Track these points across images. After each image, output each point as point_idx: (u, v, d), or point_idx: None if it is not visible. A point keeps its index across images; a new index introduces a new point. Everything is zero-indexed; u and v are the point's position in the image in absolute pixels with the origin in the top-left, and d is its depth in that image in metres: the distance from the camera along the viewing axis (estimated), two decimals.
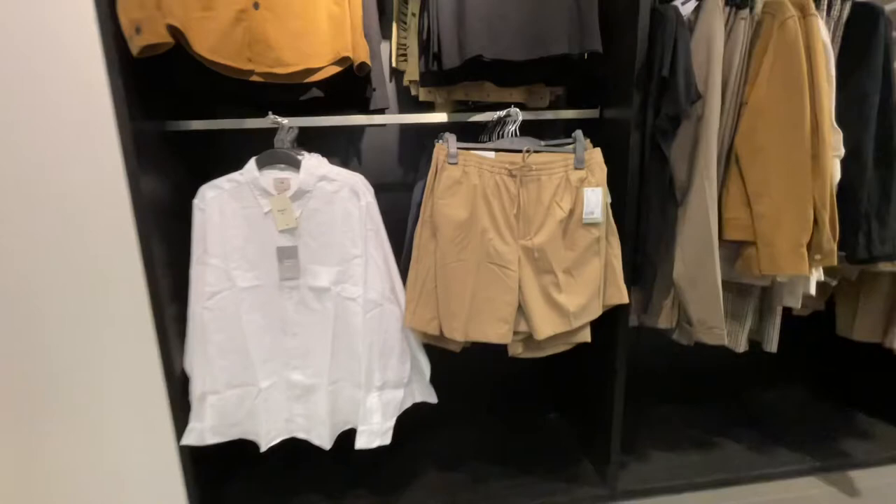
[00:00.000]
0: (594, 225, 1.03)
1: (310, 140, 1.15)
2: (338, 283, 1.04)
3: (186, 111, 1.07)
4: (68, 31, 0.90)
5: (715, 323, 1.07)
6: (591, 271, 1.05)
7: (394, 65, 1.24)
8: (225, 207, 1.00)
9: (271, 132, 1.03)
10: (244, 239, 1.02)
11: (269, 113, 0.99)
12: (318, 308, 1.06)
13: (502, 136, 1.09)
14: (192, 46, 0.89)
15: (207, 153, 1.21)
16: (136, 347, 1.03)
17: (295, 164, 1.00)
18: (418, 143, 1.37)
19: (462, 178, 0.99)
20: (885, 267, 1.14)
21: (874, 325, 1.29)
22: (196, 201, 1.00)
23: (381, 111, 1.25)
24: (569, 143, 1.06)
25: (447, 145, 0.99)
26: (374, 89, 1.22)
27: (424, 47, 1.05)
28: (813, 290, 1.10)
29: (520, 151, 0.99)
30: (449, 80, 1.10)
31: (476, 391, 1.59)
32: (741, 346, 1.21)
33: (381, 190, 1.09)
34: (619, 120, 1.10)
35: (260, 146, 1.02)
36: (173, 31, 0.87)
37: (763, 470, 1.34)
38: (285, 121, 1.02)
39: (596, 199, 1.02)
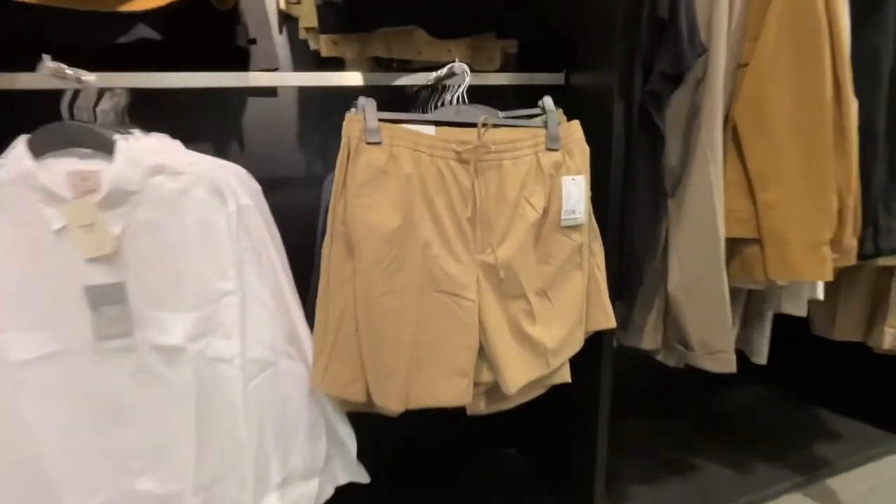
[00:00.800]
0: (576, 228, 0.75)
1: (165, 117, 0.74)
2: (198, 336, 0.66)
3: None
4: None
5: (722, 346, 0.84)
6: (572, 290, 0.77)
7: (282, 6, 0.86)
8: None
9: None
10: (20, 277, 0.60)
11: (46, 60, 0.57)
12: (169, 377, 0.67)
13: (442, 106, 0.76)
14: None
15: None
16: None
17: (105, 148, 0.59)
18: (327, 119, 0.99)
19: (389, 166, 0.65)
20: (884, 262, 0.99)
21: (856, 324, 1.16)
22: None
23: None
24: (535, 115, 0.76)
25: (363, 116, 0.65)
26: (254, 41, 0.83)
27: None
28: (821, 294, 0.92)
29: (471, 125, 0.68)
30: (360, 24, 0.76)
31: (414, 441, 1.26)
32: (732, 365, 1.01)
33: (273, 187, 0.72)
34: (595, 87, 0.83)
35: None
36: None
37: (749, 496, 1.18)
38: (89, 76, 0.61)
39: (578, 193, 0.73)
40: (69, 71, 0.58)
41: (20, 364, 0.61)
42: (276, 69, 0.88)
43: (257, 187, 0.74)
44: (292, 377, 0.71)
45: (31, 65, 0.59)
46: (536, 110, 0.76)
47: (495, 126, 0.70)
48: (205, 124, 0.93)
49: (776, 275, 0.84)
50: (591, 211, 0.79)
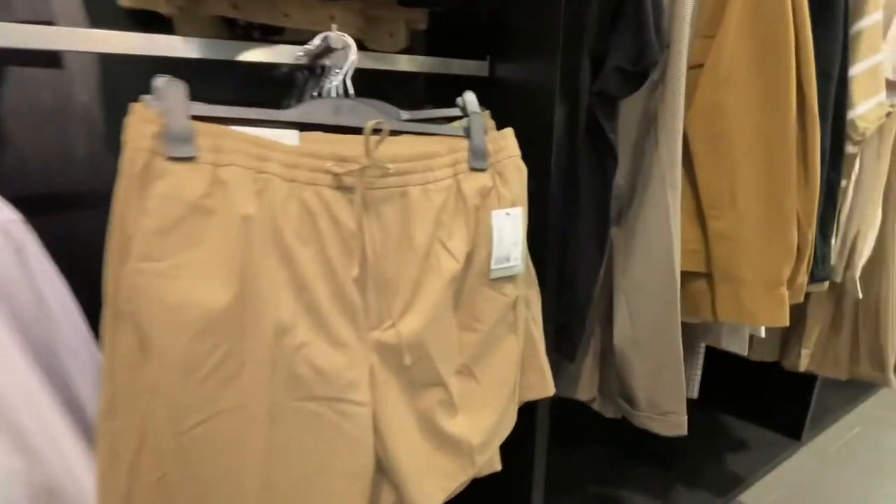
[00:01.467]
0: (510, 279, 0.54)
1: None
2: None
3: None
4: None
5: (673, 406, 0.70)
6: (504, 361, 0.56)
7: None
8: None
9: None
10: None
11: None
12: None
13: (320, 97, 0.50)
14: None
15: None
16: None
17: None
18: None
19: (212, 199, 0.37)
20: (809, 288, 0.93)
21: (772, 346, 1.13)
22: None
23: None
24: (451, 118, 0.54)
25: (163, 108, 0.36)
26: None
27: None
28: (763, 332, 0.83)
29: (354, 131, 0.42)
30: None
31: None
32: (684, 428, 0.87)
33: (58, 209, 0.44)
34: (529, 82, 0.62)
35: None
36: None
37: None
38: None
39: (514, 232, 0.52)
40: None
41: None
42: (48, 22, 0.54)
43: (8, 217, 0.43)
44: None
45: None
46: (454, 111, 0.53)
47: (394, 134, 0.46)
48: None
49: (728, 316, 0.72)
50: (526, 248, 0.58)
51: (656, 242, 0.65)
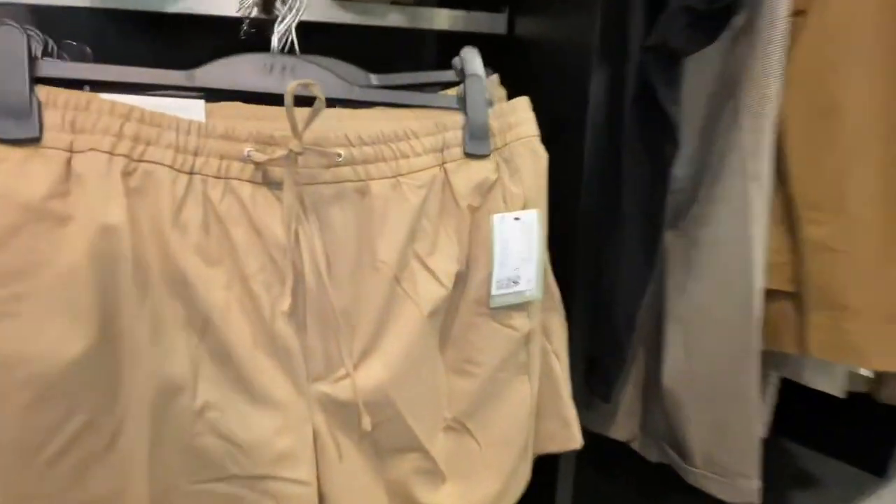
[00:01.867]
0: (521, 307, 0.39)
1: None
2: None
3: None
4: None
5: (742, 469, 0.53)
6: (512, 413, 0.42)
7: None
8: None
9: None
10: None
11: None
12: None
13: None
14: None
15: None
16: None
17: None
18: None
19: (61, 201, 0.25)
20: None
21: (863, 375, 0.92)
22: None
23: None
24: (444, 84, 0.39)
25: None
26: None
27: None
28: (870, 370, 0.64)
29: (302, 102, 0.29)
30: None
31: None
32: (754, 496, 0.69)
33: None
34: (558, 41, 0.46)
35: None
36: None
37: None
38: None
39: (527, 242, 0.37)
40: None
41: None
42: None
43: None
44: None
45: None
46: (447, 74, 0.39)
47: (350, 106, 0.32)
48: None
49: (825, 353, 0.54)
50: (548, 263, 0.43)
51: (729, 255, 0.48)
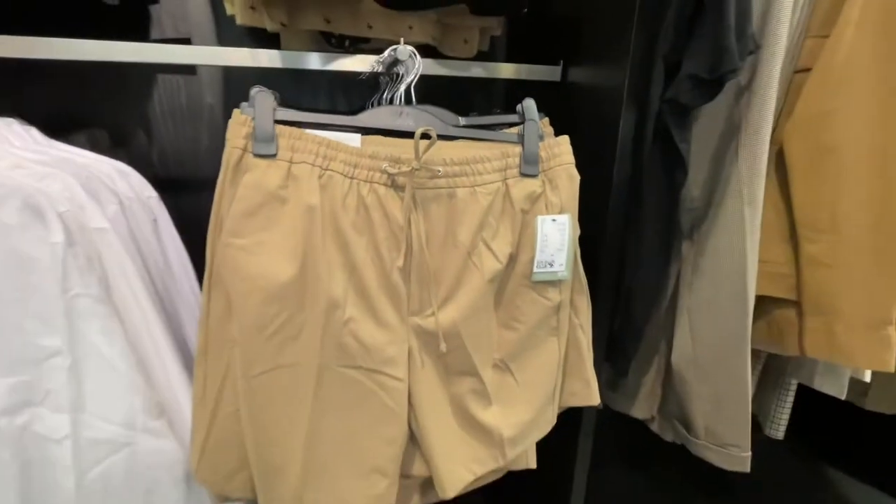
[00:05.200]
0: (554, 284, 0.55)
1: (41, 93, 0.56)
2: (18, 408, 0.48)
3: None
4: None
5: (735, 440, 0.65)
6: (543, 363, 0.58)
7: None
8: None
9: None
10: None
11: None
12: None
13: (390, 103, 0.56)
14: None
15: None
16: None
17: None
18: None
19: (285, 191, 0.45)
20: None
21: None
22: None
23: (180, 41, 0.68)
24: (510, 124, 0.56)
25: (254, 114, 0.45)
26: None
27: None
28: (868, 376, 0.72)
29: (410, 136, 0.47)
30: None
31: None
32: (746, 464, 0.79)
33: (190, 191, 0.55)
34: (599, 86, 0.62)
35: None
36: None
37: None
38: None
39: (560, 238, 0.53)
40: None
41: None
42: (186, 39, 0.68)
43: (149, 194, 0.56)
44: (159, 460, 0.53)
45: None
46: (512, 117, 0.55)
47: (447, 138, 0.50)
48: (96, 107, 0.73)
49: (817, 353, 0.64)
50: (578, 256, 0.58)
51: (727, 262, 0.60)
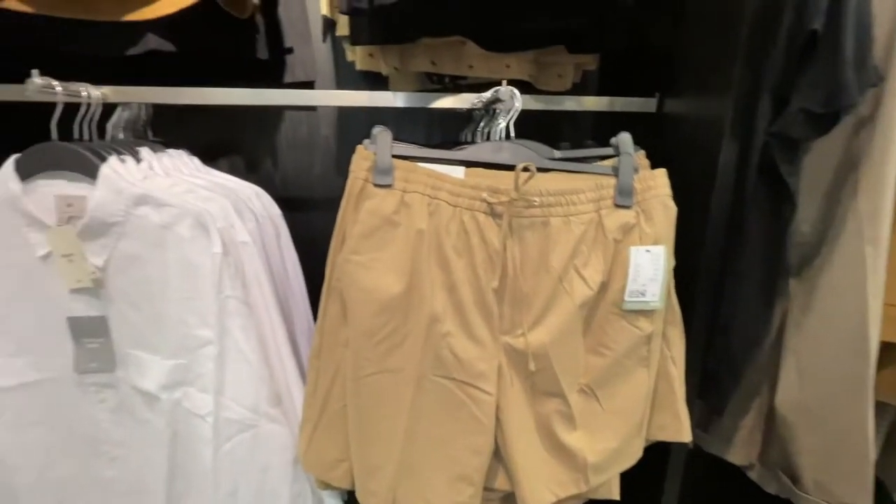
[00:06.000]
0: (646, 314, 0.55)
1: (190, 131, 0.71)
2: (175, 385, 0.59)
3: None
4: None
5: (852, 497, 0.59)
6: (632, 392, 0.58)
7: (325, 12, 0.77)
8: None
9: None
10: (5, 301, 0.57)
11: (34, 75, 0.52)
12: (148, 421, 0.61)
13: (487, 139, 0.61)
14: None
15: None
16: None
17: (89, 172, 0.53)
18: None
19: (398, 216, 0.51)
20: None
21: None
22: None
23: (304, 85, 0.79)
24: (605, 157, 0.58)
25: (375, 150, 0.52)
26: (290, 49, 0.75)
27: None
28: None
29: (511, 168, 0.52)
30: (396, 35, 0.63)
31: None
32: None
33: (305, 209, 0.64)
34: (698, 117, 0.62)
35: None
36: None
37: None
38: (93, 91, 0.56)
39: (653, 268, 0.54)
40: (58, 86, 0.53)
41: (4, 390, 0.58)
42: (312, 81, 0.79)
43: (275, 212, 0.66)
44: (275, 443, 0.61)
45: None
46: (607, 150, 0.58)
47: (544, 171, 0.54)
48: (236, 138, 0.87)
49: None
50: (672, 287, 0.58)
51: (844, 302, 0.56)
